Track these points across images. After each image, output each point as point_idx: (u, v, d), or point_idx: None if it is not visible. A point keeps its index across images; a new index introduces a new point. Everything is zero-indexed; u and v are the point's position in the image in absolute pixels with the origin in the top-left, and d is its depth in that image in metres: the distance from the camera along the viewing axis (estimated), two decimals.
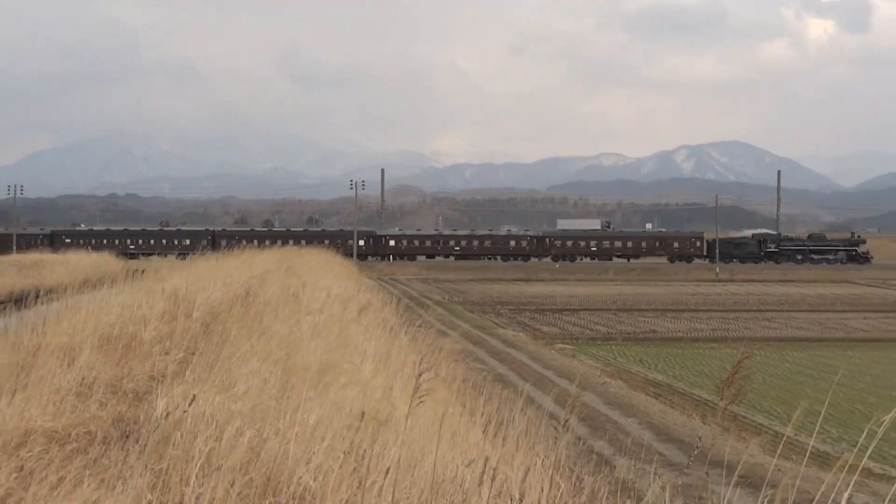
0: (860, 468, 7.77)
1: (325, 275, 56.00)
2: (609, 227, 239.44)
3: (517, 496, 9.16)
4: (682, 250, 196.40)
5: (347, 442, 10.23)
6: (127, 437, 11.92)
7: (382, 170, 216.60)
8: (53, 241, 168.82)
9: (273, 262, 61.13)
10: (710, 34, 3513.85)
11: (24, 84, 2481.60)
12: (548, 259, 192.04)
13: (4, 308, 31.51)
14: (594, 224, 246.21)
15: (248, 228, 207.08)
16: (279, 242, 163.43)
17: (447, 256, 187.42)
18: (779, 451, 10.16)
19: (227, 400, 13.17)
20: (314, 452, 10.11)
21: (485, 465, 9.32)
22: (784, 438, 12.47)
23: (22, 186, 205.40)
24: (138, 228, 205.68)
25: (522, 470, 10.70)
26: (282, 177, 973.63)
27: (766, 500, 7.85)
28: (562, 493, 10.23)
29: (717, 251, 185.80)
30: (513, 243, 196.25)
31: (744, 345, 54.96)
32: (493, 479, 9.18)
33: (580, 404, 39.63)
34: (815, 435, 26.79)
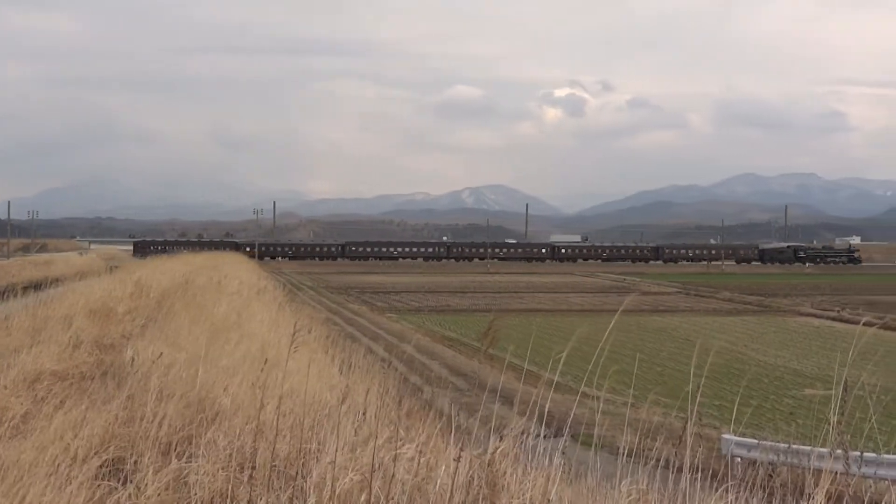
0: (580, 391, 7.87)
1: (237, 270, 55.44)
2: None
3: (362, 410, 9.15)
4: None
5: (251, 377, 10.17)
6: (106, 374, 11.78)
7: (274, 202, 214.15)
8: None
9: (203, 262, 60.37)
10: (486, 117, 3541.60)
11: (41, 144, 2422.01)
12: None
13: (27, 291, 30.86)
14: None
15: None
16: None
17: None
18: (522, 380, 10.30)
19: (171, 350, 13.00)
20: (230, 384, 10.03)
21: (340, 391, 9.31)
22: (525, 371, 12.69)
23: (37, 212, 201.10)
24: (113, 240, 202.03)
25: (364, 394, 10.69)
26: (209, 207, 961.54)
27: (517, 409, 7.94)
28: (390, 409, 10.24)
29: (490, 252, 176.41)
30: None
31: (503, 314, 55.33)
32: (345, 400, 9.17)
33: (401, 352, 39.69)
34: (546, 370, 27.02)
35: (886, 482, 13.98)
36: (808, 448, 12.71)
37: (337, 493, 5.98)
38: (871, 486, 13.62)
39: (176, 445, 7.70)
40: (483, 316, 62.11)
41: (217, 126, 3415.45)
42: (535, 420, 7.52)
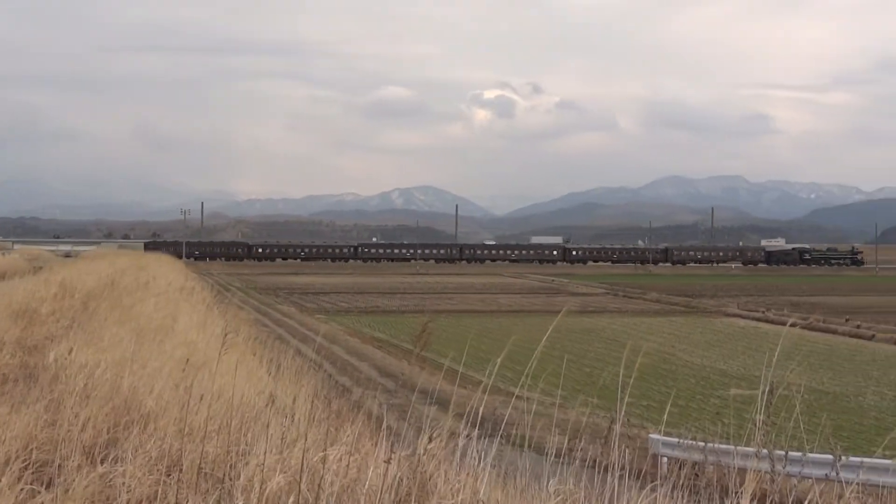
0: (514, 394, 7.91)
1: (164, 270, 54.87)
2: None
3: (291, 411, 9.12)
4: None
5: (178, 379, 10.09)
6: (29, 376, 11.62)
7: (202, 202, 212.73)
8: None
9: (129, 262, 59.69)
10: (416, 118, 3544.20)
11: None
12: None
13: None
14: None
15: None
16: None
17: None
18: (457, 381, 10.36)
19: (96, 352, 12.86)
20: (155, 386, 9.93)
21: (268, 393, 9.29)
22: (460, 373, 12.76)
23: None
24: (37, 240, 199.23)
25: (293, 396, 10.66)
26: (135, 207, 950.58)
27: (447, 410, 7.95)
28: (319, 411, 10.22)
29: (419, 253, 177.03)
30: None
31: (433, 315, 55.41)
32: (273, 402, 9.13)
33: (330, 353, 39.56)
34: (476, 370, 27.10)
35: (810, 481, 14.21)
36: (733, 447, 12.91)
37: (265, 494, 5.96)
38: (795, 485, 13.84)
39: (101, 448, 7.61)
40: (412, 317, 62.13)
41: (143, 125, 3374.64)
42: (464, 421, 7.54)
